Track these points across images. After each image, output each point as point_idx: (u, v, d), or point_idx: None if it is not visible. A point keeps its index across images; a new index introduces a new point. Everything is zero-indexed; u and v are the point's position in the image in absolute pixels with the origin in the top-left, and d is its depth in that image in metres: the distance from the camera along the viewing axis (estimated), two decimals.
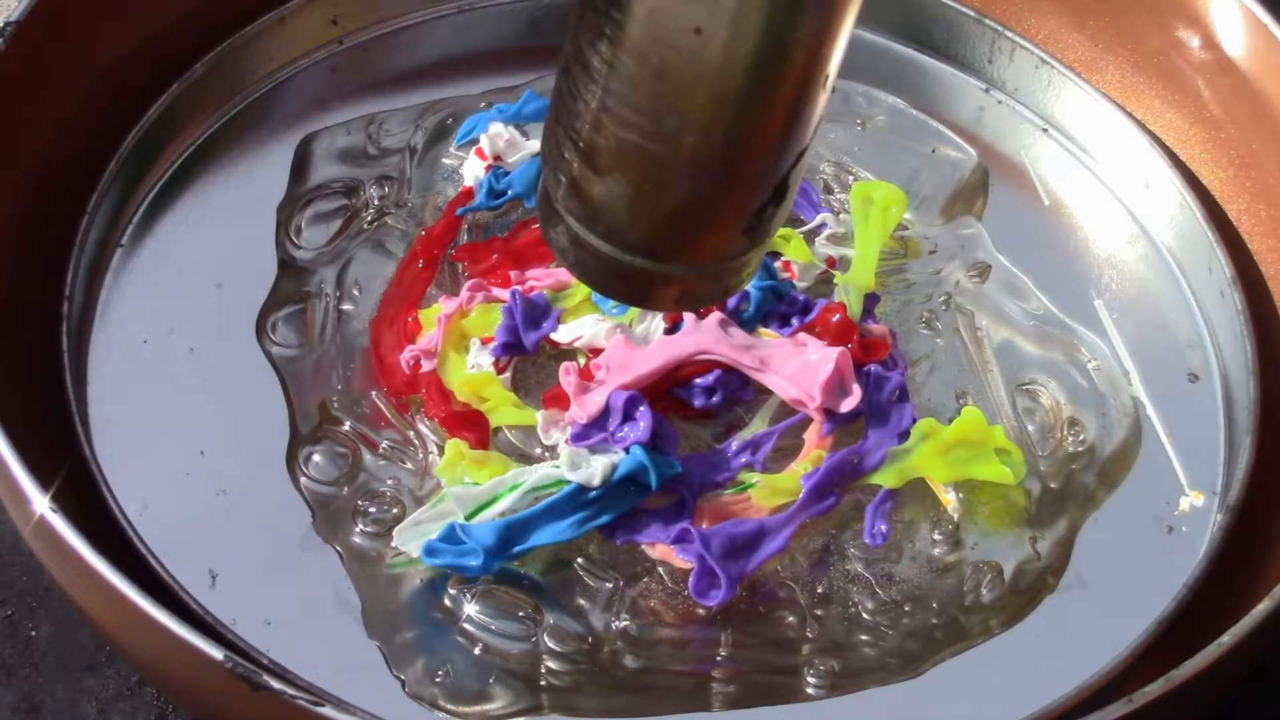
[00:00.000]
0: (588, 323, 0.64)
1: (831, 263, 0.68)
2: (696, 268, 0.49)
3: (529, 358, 0.64)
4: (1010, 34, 0.77)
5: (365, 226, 0.69)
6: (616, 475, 0.58)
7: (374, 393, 0.63)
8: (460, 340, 0.64)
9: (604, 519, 0.58)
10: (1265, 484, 0.63)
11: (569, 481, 0.58)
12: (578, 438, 0.59)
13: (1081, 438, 0.64)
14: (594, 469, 0.58)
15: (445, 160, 0.72)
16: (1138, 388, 0.66)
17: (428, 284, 0.67)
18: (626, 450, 0.59)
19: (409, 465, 0.61)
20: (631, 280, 0.49)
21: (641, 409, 0.59)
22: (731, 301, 0.64)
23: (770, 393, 0.62)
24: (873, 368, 0.62)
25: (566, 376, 0.61)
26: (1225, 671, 0.52)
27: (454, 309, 0.64)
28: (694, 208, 0.47)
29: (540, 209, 0.51)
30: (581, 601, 0.58)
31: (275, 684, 0.48)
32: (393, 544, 0.58)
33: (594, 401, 0.60)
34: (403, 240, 0.69)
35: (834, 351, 0.61)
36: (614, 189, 0.46)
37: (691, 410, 0.62)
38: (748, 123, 0.45)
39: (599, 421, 0.60)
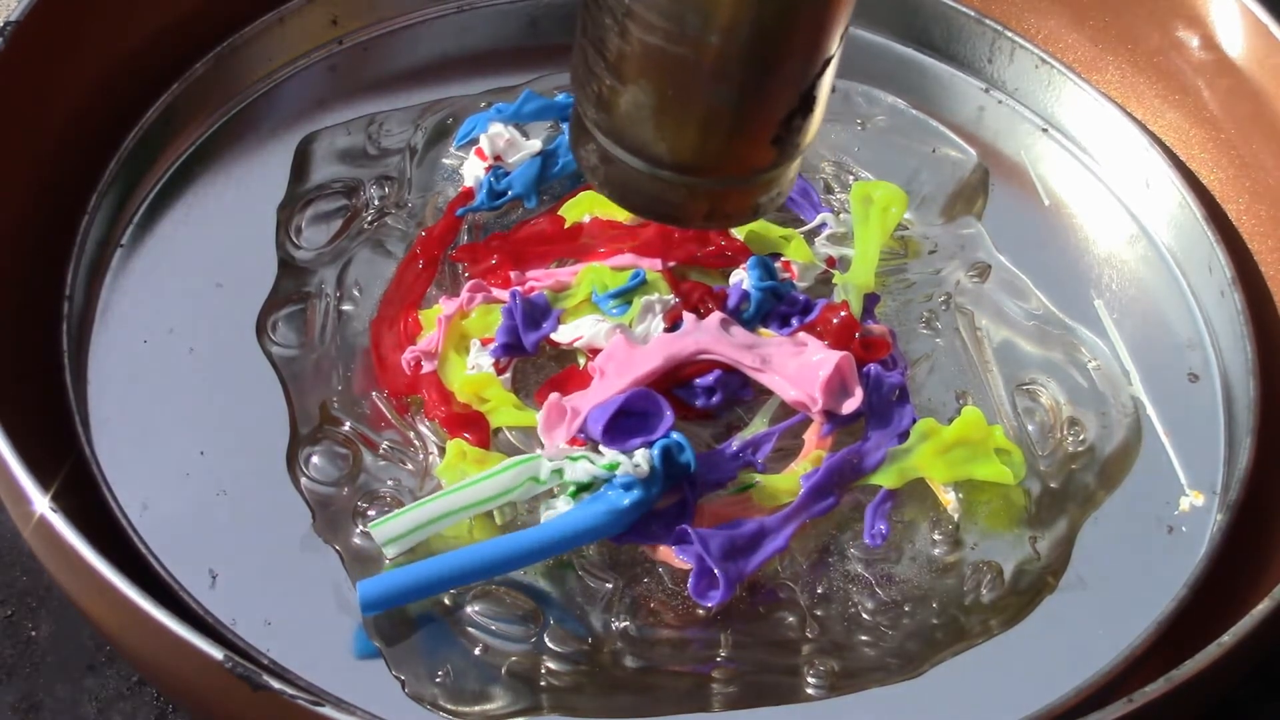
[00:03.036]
0: (587, 323, 0.63)
1: (831, 262, 0.68)
2: (725, 181, 0.49)
3: (529, 358, 0.64)
4: (1010, 34, 0.77)
5: (365, 226, 0.69)
6: (656, 459, 0.58)
7: (374, 393, 0.63)
8: (460, 341, 0.64)
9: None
10: (1265, 484, 0.63)
11: (607, 478, 0.58)
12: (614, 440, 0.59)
13: (1081, 438, 0.64)
14: (638, 460, 0.57)
15: (445, 160, 0.72)
16: (1138, 388, 0.66)
17: (428, 284, 0.67)
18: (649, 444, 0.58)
19: (409, 466, 0.61)
20: (660, 195, 0.49)
21: (658, 401, 0.59)
22: (731, 301, 0.64)
23: (770, 393, 0.62)
24: (873, 367, 0.62)
25: (553, 407, 0.60)
26: (1225, 671, 0.52)
27: (454, 309, 0.64)
28: (719, 114, 0.46)
29: (571, 131, 0.51)
30: (581, 602, 0.58)
31: (275, 684, 0.48)
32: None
33: (595, 408, 0.60)
34: (403, 240, 0.69)
35: (835, 354, 0.61)
36: (640, 98, 0.46)
37: (691, 410, 0.62)
38: (769, 22, 0.45)
39: (626, 426, 0.59)
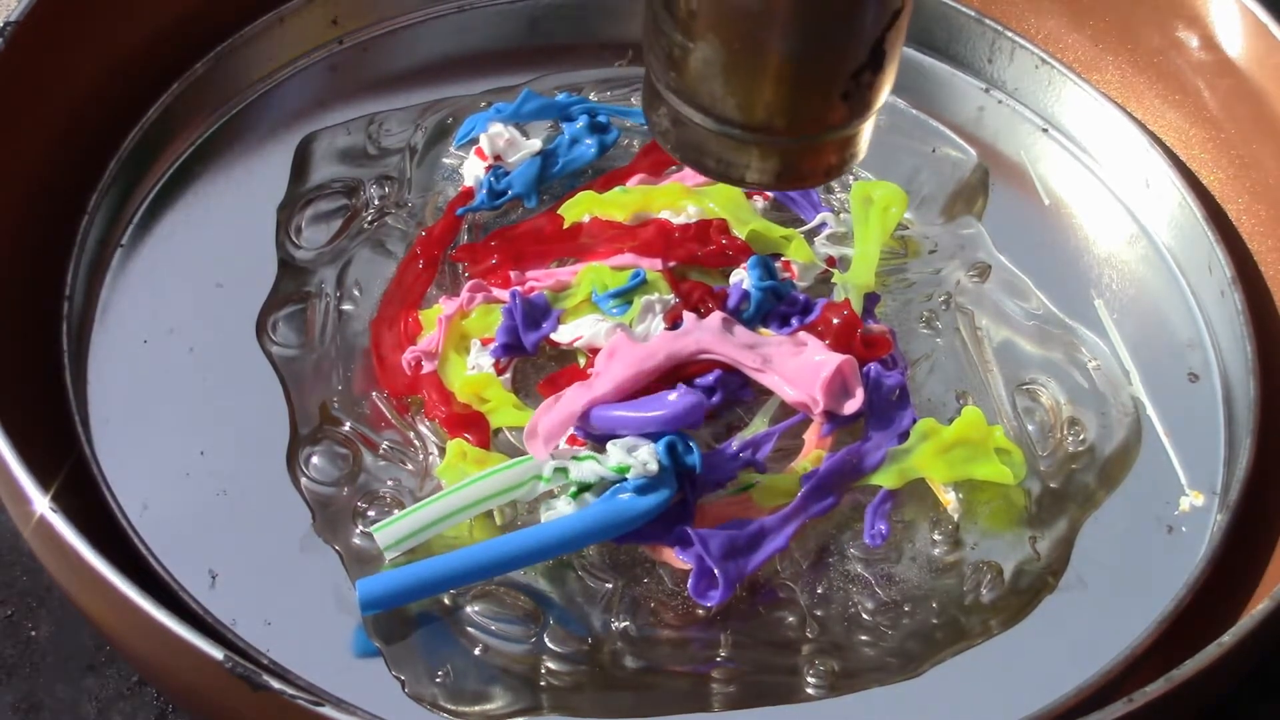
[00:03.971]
0: (587, 323, 0.64)
1: (832, 262, 0.68)
2: (796, 140, 0.49)
3: (529, 358, 0.64)
4: (1010, 34, 0.77)
5: (365, 226, 0.69)
6: (663, 456, 0.58)
7: (374, 393, 0.63)
8: (461, 341, 0.64)
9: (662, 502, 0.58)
10: (1265, 484, 0.63)
11: (615, 480, 0.57)
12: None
13: (1081, 438, 0.64)
14: (645, 459, 0.57)
15: (445, 160, 0.72)
16: (1138, 388, 0.66)
17: (428, 284, 0.67)
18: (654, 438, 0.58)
19: (409, 466, 0.61)
20: (731, 156, 0.49)
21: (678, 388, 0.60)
22: (731, 301, 0.64)
23: (770, 392, 0.62)
24: (873, 367, 0.62)
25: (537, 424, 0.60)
26: (1225, 671, 0.52)
27: (454, 309, 0.64)
28: (786, 68, 0.46)
29: (643, 96, 0.51)
30: (581, 602, 0.58)
31: (275, 684, 0.48)
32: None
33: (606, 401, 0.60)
34: (403, 240, 0.69)
35: (837, 356, 0.61)
36: (708, 54, 0.46)
37: None
38: None
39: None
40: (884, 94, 0.49)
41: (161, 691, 0.62)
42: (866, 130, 0.50)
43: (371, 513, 0.59)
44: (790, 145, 0.49)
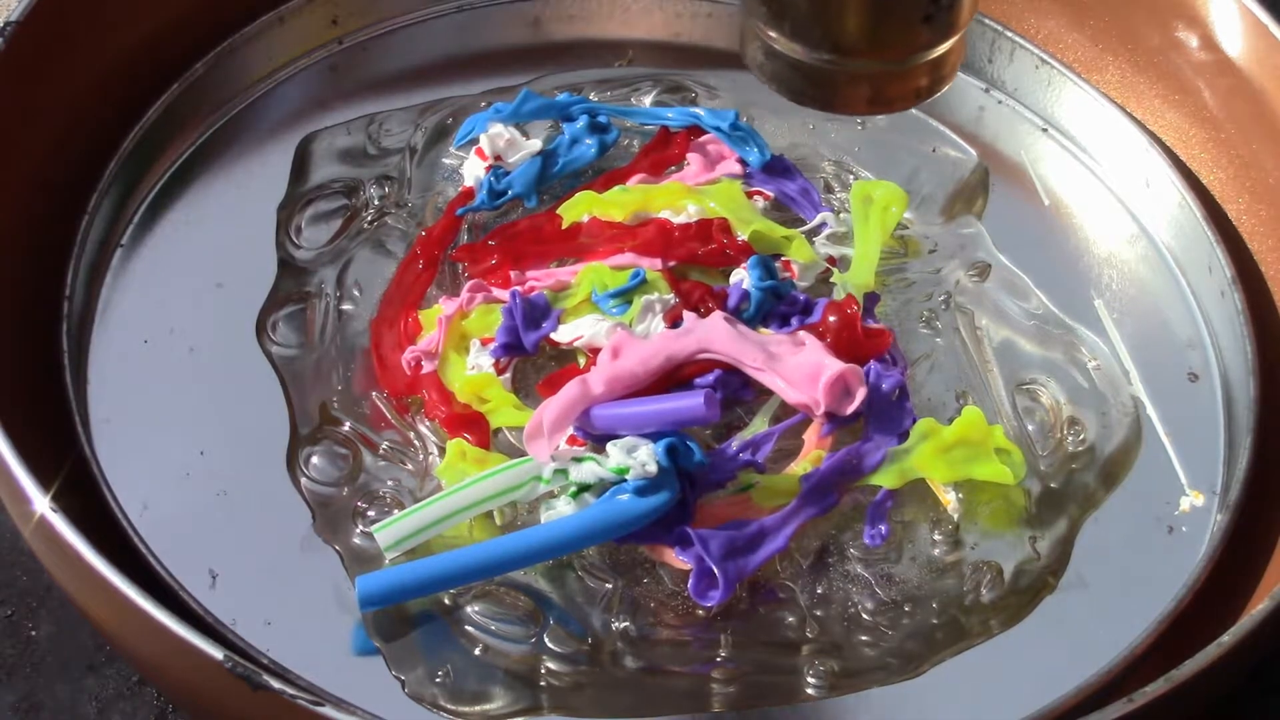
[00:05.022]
0: (587, 323, 0.64)
1: (832, 262, 0.68)
2: (882, 63, 0.50)
3: (529, 358, 0.64)
4: (1010, 34, 0.77)
5: (365, 226, 0.69)
6: (662, 457, 0.57)
7: (374, 393, 0.63)
8: (460, 341, 0.64)
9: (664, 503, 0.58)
10: (1265, 484, 0.63)
11: (615, 482, 0.57)
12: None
13: (1081, 437, 0.64)
14: (644, 459, 0.57)
15: (445, 160, 0.72)
16: (1138, 388, 0.66)
17: (428, 284, 0.67)
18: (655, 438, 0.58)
19: (409, 466, 0.61)
20: (822, 82, 0.50)
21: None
22: (732, 301, 0.64)
23: (770, 392, 0.62)
24: (873, 367, 0.62)
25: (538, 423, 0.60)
26: (1225, 671, 0.52)
27: (454, 310, 0.64)
28: None
29: (740, 36, 0.52)
30: (581, 602, 0.58)
31: (275, 684, 0.48)
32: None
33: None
34: (403, 240, 0.69)
35: (839, 362, 0.61)
36: None
37: None
38: None
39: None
40: (967, 14, 0.50)
41: (161, 691, 0.62)
42: (956, 52, 0.51)
43: (371, 513, 0.59)
44: (878, 70, 0.50)
